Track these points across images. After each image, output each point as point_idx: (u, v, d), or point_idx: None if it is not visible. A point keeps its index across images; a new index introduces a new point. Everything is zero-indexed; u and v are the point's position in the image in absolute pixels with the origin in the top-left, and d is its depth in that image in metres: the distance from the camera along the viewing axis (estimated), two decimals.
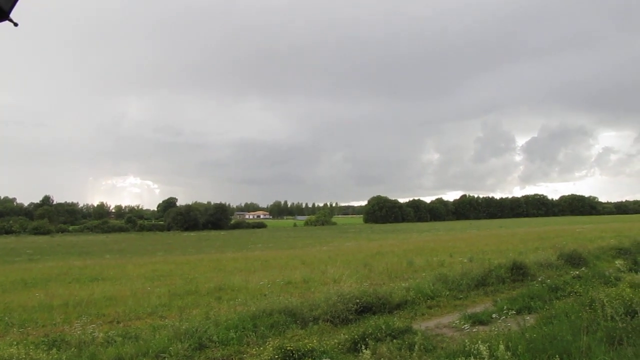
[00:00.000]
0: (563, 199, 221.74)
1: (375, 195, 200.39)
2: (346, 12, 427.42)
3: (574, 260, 20.47)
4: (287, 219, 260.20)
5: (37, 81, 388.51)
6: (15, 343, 9.72)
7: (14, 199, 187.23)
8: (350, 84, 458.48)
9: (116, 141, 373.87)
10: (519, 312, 11.71)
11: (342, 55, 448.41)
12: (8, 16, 3.13)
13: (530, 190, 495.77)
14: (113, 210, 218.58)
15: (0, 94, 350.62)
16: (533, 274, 17.72)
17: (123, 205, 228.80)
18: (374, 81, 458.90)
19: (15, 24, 3.18)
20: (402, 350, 8.52)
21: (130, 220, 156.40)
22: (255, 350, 9.41)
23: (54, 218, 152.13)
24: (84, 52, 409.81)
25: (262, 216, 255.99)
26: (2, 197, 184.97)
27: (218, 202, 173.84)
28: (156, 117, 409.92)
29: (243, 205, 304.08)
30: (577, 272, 17.31)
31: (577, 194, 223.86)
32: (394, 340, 9.23)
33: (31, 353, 8.81)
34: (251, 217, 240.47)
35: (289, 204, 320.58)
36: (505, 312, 11.43)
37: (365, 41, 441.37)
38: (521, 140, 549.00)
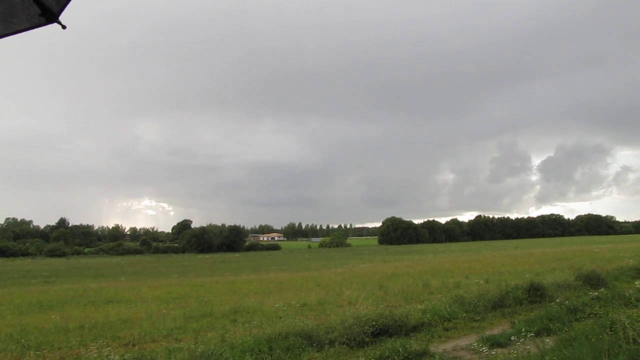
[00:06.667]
0: (580, 218, 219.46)
1: (389, 217, 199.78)
2: (360, 35, 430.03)
3: (592, 281, 20.17)
4: (301, 240, 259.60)
5: (53, 106, 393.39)
6: None
7: (31, 221, 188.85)
8: (364, 105, 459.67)
9: (131, 164, 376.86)
10: (537, 334, 11.54)
11: (357, 76, 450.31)
12: (57, 18, 3.13)
13: (546, 210, 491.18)
14: (128, 233, 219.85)
15: (18, 119, 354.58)
16: (551, 295, 17.49)
17: (138, 228, 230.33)
18: (388, 102, 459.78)
19: (64, 27, 3.17)
20: None
21: (145, 242, 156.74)
22: None
23: (70, 240, 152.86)
24: (99, 77, 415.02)
25: (276, 238, 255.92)
26: (18, 220, 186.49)
27: (232, 224, 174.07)
28: (171, 140, 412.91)
29: (257, 227, 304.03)
30: (596, 293, 17.06)
31: (594, 213, 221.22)
32: None
33: None
34: (265, 239, 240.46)
35: (304, 226, 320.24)
36: (523, 334, 11.31)
37: (379, 62, 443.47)
38: (537, 160, 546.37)
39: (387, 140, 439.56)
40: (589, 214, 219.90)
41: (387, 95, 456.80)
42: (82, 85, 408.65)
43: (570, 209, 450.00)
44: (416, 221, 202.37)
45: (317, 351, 11.22)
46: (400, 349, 9.88)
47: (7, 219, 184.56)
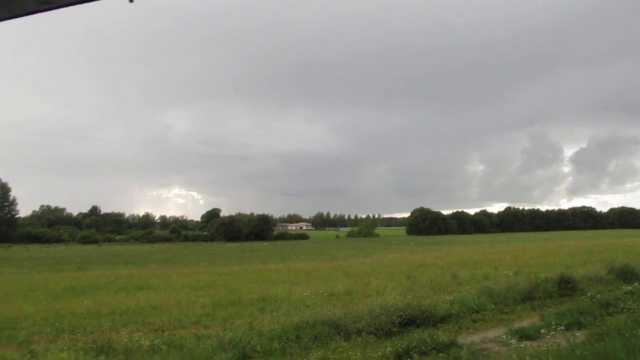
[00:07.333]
0: (613, 211, 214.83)
1: (418, 207, 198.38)
2: (389, 24, 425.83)
3: (625, 275, 19.81)
4: (329, 230, 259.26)
5: (87, 96, 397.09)
6: (65, 348, 9.94)
7: (64, 208, 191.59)
8: (394, 95, 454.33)
9: (162, 153, 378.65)
10: (567, 328, 11.38)
11: (386, 66, 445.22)
12: None
13: (578, 202, 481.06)
14: (158, 221, 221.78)
15: (53, 108, 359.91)
16: (582, 289, 17.25)
17: (168, 216, 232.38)
18: (418, 92, 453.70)
19: (131, 0, 3.08)
20: None
21: (175, 230, 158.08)
22: None
23: (102, 228, 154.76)
24: (131, 66, 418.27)
25: (304, 227, 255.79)
26: (52, 207, 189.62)
27: (261, 213, 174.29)
28: (201, 129, 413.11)
29: (286, 216, 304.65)
30: (630, 288, 16.78)
31: (628, 206, 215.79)
32: (439, 354, 9.06)
33: (80, 359, 8.97)
34: (294, 228, 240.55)
35: (332, 216, 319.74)
36: (553, 327, 11.16)
37: (409, 52, 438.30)
38: (569, 151, 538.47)
39: (417, 130, 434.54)
40: (622, 207, 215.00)
41: (418, 84, 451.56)
42: (115, 74, 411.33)
43: (603, 202, 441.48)
44: (445, 212, 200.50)
45: (345, 340, 11.23)
46: (428, 340, 9.84)
47: (42, 206, 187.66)
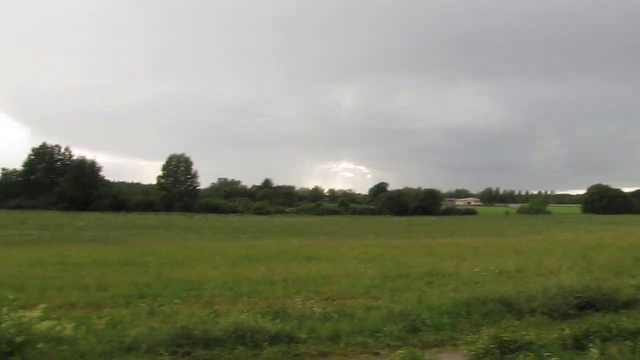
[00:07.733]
0: None
1: (595, 184, 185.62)
2: None
3: None
4: (498, 206, 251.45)
5: (264, 72, 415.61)
6: (245, 311, 10.65)
7: (239, 181, 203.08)
8: (568, 65, 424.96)
9: (331, 128, 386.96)
10: None
11: (560, 34, 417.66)
12: None
13: None
14: (327, 194, 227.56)
15: (231, 86, 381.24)
16: None
17: (336, 189, 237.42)
18: (594, 61, 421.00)
19: None
20: (636, 354, 7.81)
21: (343, 203, 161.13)
22: (470, 337, 9.30)
23: (273, 200, 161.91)
24: (306, 43, 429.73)
25: (472, 203, 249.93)
26: (229, 180, 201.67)
27: (428, 187, 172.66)
28: (369, 104, 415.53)
29: (454, 191, 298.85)
30: None
31: None
32: (625, 342, 8.50)
33: (259, 321, 9.60)
34: (461, 203, 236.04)
35: (501, 191, 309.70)
36: None
37: (583, 17, 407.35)
38: None
39: (593, 102, 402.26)
40: None
41: (595, 53, 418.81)
42: (291, 51, 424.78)
43: None
44: (626, 189, 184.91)
45: (517, 319, 10.95)
46: (612, 326, 9.28)
47: (220, 178, 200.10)
